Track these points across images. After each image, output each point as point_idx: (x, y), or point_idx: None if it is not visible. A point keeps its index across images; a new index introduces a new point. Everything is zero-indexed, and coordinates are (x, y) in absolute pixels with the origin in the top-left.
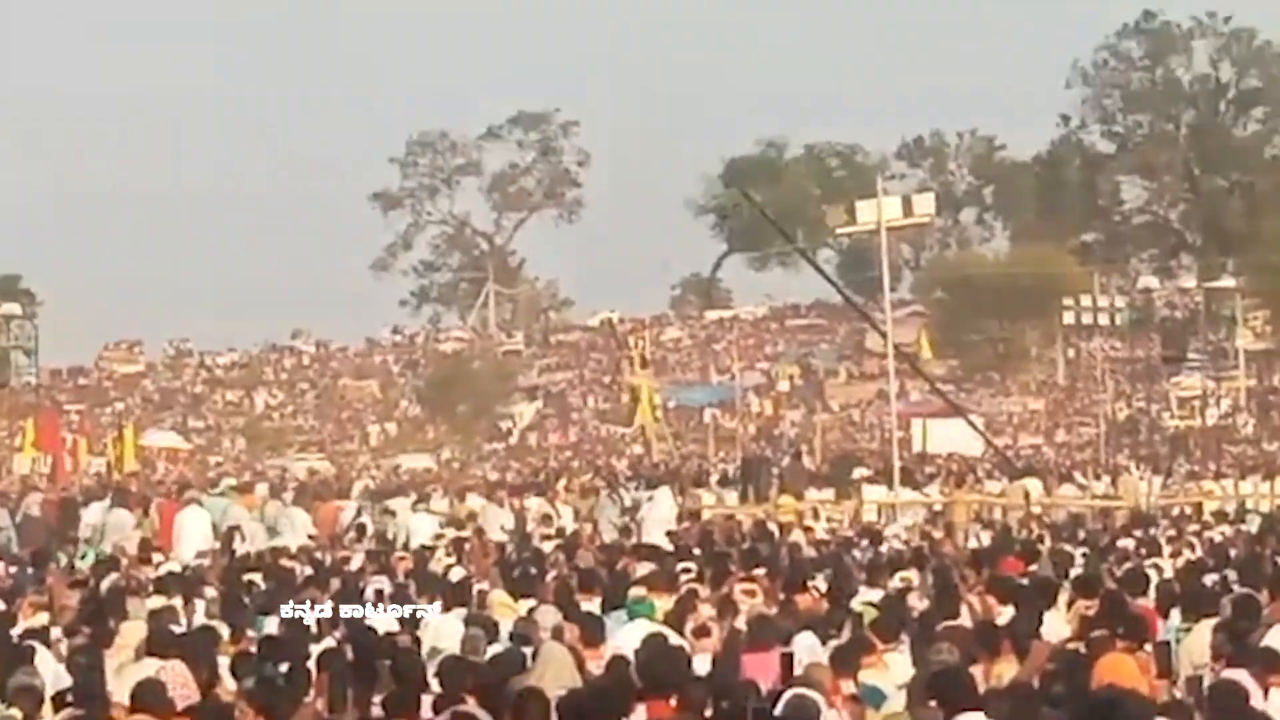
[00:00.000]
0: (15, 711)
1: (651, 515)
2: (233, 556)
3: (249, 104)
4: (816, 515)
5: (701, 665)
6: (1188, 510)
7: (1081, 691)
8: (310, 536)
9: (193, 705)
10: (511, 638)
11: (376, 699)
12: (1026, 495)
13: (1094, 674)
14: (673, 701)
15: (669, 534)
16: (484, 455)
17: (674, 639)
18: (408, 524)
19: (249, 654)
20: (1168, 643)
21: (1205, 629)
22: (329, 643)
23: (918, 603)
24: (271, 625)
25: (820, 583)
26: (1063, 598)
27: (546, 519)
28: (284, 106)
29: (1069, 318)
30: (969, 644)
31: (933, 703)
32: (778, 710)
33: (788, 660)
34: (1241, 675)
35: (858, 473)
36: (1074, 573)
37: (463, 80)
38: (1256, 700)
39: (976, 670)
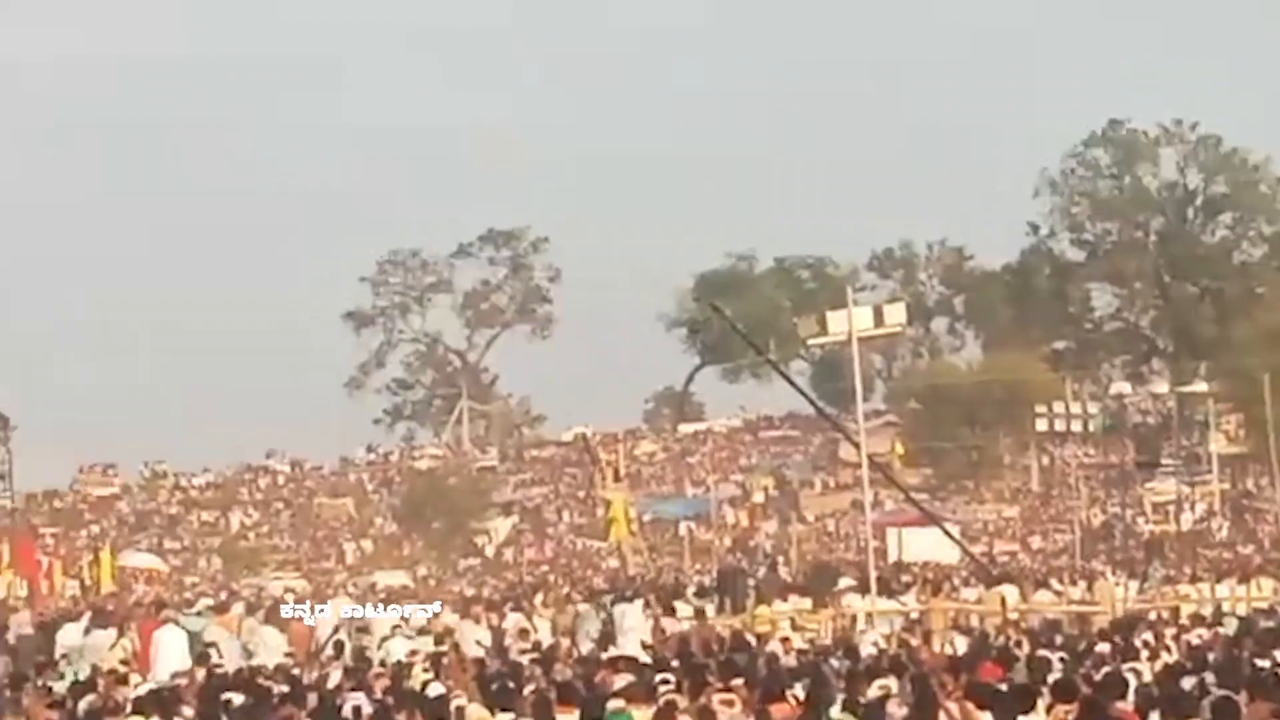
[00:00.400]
0: None
1: (624, 627)
2: (210, 675)
3: (221, 226)
4: (795, 626)
5: None
6: (1165, 614)
7: None
8: (286, 654)
9: None
10: None
11: None
12: (1003, 601)
13: None
14: None
15: (646, 646)
16: (460, 571)
17: None
18: (384, 640)
19: None
20: None
21: None
22: None
23: (897, 710)
24: None
25: (799, 691)
26: (1041, 703)
27: (524, 633)
28: (256, 228)
29: (1042, 425)
30: None
31: None
32: None
33: None
34: None
35: (843, 583)
36: (1052, 678)
37: (433, 199)
38: None
39: None
